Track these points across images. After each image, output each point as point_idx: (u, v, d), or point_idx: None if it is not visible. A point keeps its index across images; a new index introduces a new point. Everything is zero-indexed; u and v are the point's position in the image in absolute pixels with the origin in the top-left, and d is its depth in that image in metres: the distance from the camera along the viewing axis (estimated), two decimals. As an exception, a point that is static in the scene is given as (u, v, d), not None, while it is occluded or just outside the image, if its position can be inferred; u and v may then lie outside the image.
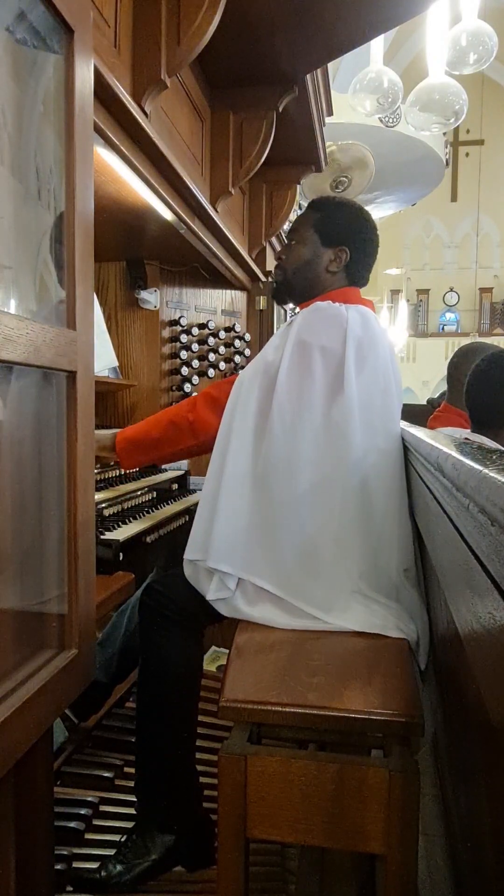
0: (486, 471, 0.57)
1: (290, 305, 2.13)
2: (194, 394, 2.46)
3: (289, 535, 1.38)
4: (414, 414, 2.73)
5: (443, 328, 15.02)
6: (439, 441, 1.03)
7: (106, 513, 1.62)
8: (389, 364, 1.51)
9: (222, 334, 2.64)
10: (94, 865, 1.44)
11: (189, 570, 1.46)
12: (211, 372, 2.56)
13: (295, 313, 1.62)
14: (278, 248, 3.00)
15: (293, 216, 3.21)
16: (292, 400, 1.40)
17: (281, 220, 2.73)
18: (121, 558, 1.41)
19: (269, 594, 1.38)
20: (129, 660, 1.87)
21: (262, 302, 2.81)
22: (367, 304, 1.59)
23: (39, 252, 1.04)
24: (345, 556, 1.38)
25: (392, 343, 1.56)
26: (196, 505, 2.01)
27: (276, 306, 2.86)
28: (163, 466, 2.18)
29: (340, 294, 1.56)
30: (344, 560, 1.37)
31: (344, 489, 1.39)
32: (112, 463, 1.78)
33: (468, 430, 2.30)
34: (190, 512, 1.97)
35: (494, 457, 0.71)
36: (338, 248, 1.57)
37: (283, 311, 3.10)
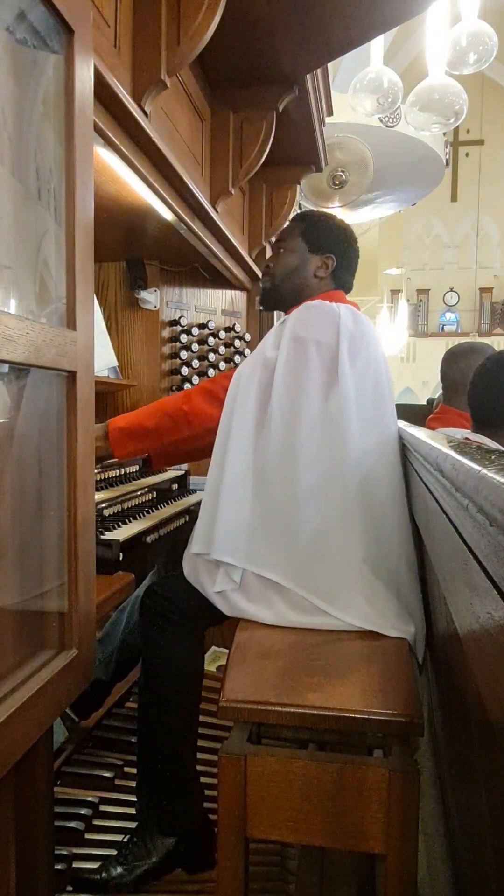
0: (484, 471, 0.57)
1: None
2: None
3: (292, 526, 1.39)
4: (414, 414, 2.73)
5: (443, 328, 15.02)
6: (438, 441, 1.03)
7: (106, 513, 1.62)
8: (381, 359, 1.54)
9: (222, 334, 2.64)
10: (95, 865, 1.44)
11: (188, 569, 1.47)
12: (211, 372, 2.55)
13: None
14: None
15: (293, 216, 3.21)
16: (290, 393, 1.43)
17: (281, 220, 2.73)
18: (121, 558, 1.41)
19: (271, 592, 1.39)
20: (128, 657, 1.87)
21: (262, 302, 2.80)
22: (353, 306, 1.61)
23: (39, 252, 1.04)
24: (348, 545, 1.39)
25: (381, 341, 1.60)
26: (196, 505, 2.02)
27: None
28: (161, 468, 2.17)
29: (327, 296, 1.60)
30: (347, 549, 1.39)
31: (345, 480, 1.41)
32: (104, 454, 1.76)
33: (468, 430, 2.31)
34: (190, 512, 1.97)
35: (493, 457, 0.71)
36: (325, 255, 1.65)
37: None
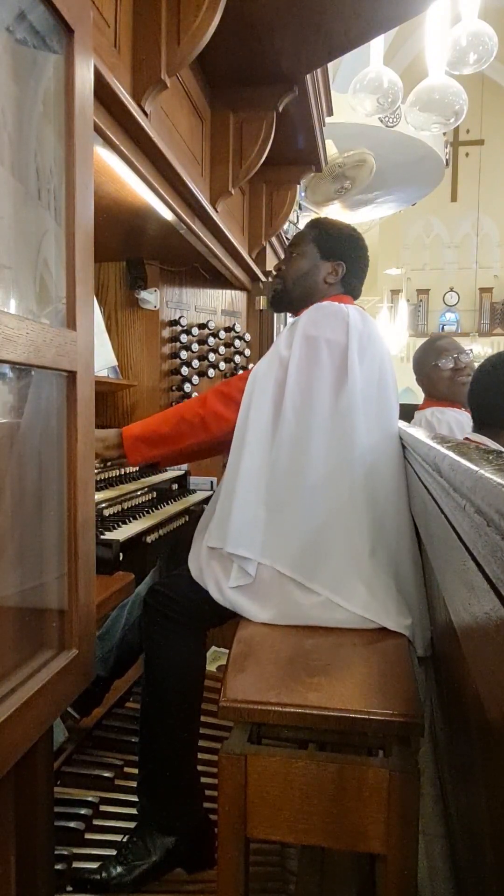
0: (482, 472, 0.57)
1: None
2: (194, 394, 2.46)
3: (302, 519, 1.42)
4: (413, 414, 2.74)
5: (443, 328, 15.01)
6: (437, 442, 1.03)
7: (106, 513, 1.62)
8: (386, 357, 1.59)
9: (222, 334, 2.64)
10: (95, 865, 1.44)
11: (195, 569, 1.48)
12: (211, 372, 2.55)
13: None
14: (278, 248, 3.00)
15: (293, 216, 3.21)
16: (303, 391, 1.46)
17: (281, 220, 2.73)
18: (121, 558, 1.41)
19: (275, 589, 1.40)
20: (127, 654, 1.88)
21: (262, 302, 2.80)
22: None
23: (39, 252, 1.04)
24: (352, 542, 1.42)
25: (386, 341, 1.66)
26: (196, 505, 2.02)
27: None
28: (169, 466, 2.18)
29: (335, 299, 1.64)
30: (351, 546, 1.42)
31: (353, 478, 1.44)
32: (110, 463, 1.77)
33: (441, 408, 2.48)
34: (190, 512, 1.97)
35: (491, 457, 0.71)
36: (335, 262, 1.69)
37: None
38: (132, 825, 1.52)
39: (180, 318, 2.46)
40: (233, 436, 1.50)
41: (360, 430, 1.46)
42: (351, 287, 1.72)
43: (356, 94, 3.20)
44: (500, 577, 0.47)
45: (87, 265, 1.04)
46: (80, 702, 1.83)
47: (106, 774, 1.78)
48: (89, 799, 1.68)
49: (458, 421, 2.46)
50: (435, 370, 2.60)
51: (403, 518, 1.48)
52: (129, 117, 1.33)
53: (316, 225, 1.76)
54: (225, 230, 2.06)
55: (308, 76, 2.03)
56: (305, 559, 1.41)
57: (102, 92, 1.22)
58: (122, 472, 1.90)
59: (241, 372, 2.67)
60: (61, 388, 1.02)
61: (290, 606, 1.38)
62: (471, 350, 2.72)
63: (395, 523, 1.48)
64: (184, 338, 2.46)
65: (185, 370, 2.46)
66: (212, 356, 2.59)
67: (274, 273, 1.81)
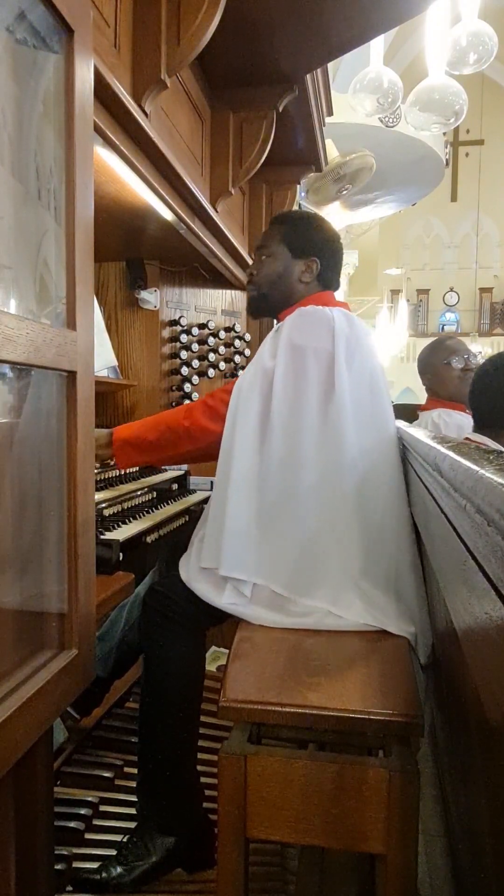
0: (482, 471, 0.57)
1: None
2: (194, 394, 2.47)
3: (292, 535, 1.39)
4: (413, 414, 2.74)
5: (443, 328, 15.03)
6: (437, 441, 1.03)
7: (106, 513, 1.62)
8: (376, 359, 1.55)
9: (222, 334, 2.64)
10: (94, 865, 1.44)
11: (184, 574, 1.47)
12: (211, 372, 2.55)
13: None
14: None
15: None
16: (290, 403, 1.42)
17: (281, 220, 2.72)
18: (121, 558, 1.41)
19: (273, 596, 1.39)
20: (127, 655, 1.87)
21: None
22: (344, 306, 1.61)
23: (39, 252, 1.04)
24: (346, 553, 1.39)
25: (374, 341, 1.61)
26: (196, 505, 2.02)
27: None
28: (163, 467, 2.18)
29: (318, 299, 1.60)
30: (345, 557, 1.39)
31: (343, 487, 1.41)
32: (110, 462, 1.78)
33: (448, 410, 2.49)
34: (190, 512, 1.97)
35: (492, 457, 0.71)
36: (308, 259, 1.62)
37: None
38: (132, 825, 1.52)
39: (180, 318, 2.46)
40: (220, 446, 1.47)
41: (350, 438, 1.42)
42: (328, 281, 1.66)
43: (356, 94, 3.20)
44: (501, 576, 0.47)
45: (87, 265, 1.04)
46: (80, 702, 1.83)
47: (106, 774, 1.78)
48: (89, 799, 1.68)
49: (469, 424, 2.47)
50: (446, 368, 2.59)
51: (404, 521, 1.45)
52: (129, 117, 1.33)
53: (282, 221, 1.69)
54: (225, 230, 2.06)
55: (308, 76, 2.03)
56: (300, 576, 1.38)
57: (102, 92, 1.22)
58: (122, 472, 1.89)
59: (239, 373, 2.67)
60: (61, 388, 1.02)
61: (289, 614, 1.37)
62: (480, 353, 2.73)
63: (395, 527, 1.43)
64: (184, 338, 2.46)
65: (185, 370, 2.46)
66: (212, 356, 2.59)
67: (246, 280, 1.73)
